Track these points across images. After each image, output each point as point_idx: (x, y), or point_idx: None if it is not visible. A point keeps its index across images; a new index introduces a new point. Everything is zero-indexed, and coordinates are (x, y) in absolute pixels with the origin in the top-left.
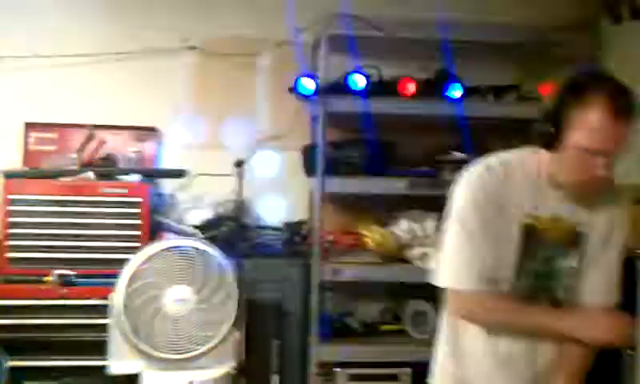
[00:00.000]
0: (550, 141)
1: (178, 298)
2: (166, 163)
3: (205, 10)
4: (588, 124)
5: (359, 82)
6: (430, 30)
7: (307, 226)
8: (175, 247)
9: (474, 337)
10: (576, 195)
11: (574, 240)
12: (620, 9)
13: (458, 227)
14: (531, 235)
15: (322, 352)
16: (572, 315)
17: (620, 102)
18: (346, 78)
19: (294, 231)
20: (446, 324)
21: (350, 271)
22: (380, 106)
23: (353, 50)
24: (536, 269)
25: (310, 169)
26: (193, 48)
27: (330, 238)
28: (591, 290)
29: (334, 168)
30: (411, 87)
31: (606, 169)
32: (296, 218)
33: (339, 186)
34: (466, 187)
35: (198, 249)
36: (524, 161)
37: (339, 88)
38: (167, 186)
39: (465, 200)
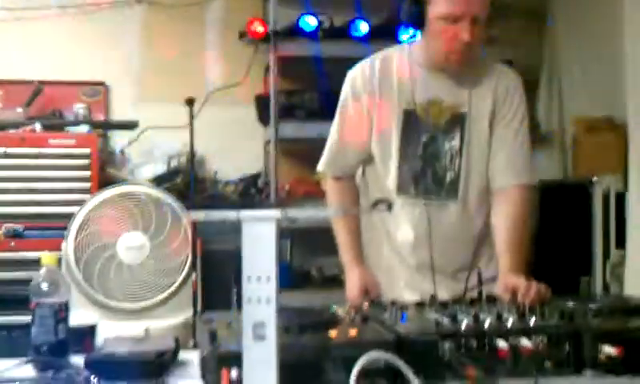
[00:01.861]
0: (418, 21)
1: (131, 245)
2: (115, 118)
3: None
4: None
5: (311, 23)
6: None
7: (262, 179)
8: (127, 194)
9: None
10: (454, 75)
11: (454, 121)
12: None
13: (336, 117)
14: (411, 120)
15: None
16: (351, 265)
17: None
18: (297, 21)
19: (249, 184)
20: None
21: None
22: (333, 48)
23: None
24: (419, 152)
25: (264, 118)
26: (140, 1)
27: (287, 187)
28: (497, 170)
29: (288, 115)
30: (364, 28)
31: (470, 33)
32: (251, 171)
33: (295, 131)
34: (347, 82)
35: (151, 195)
36: (403, 51)
37: (290, 32)
38: (118, 142)
39: (345, 93)
